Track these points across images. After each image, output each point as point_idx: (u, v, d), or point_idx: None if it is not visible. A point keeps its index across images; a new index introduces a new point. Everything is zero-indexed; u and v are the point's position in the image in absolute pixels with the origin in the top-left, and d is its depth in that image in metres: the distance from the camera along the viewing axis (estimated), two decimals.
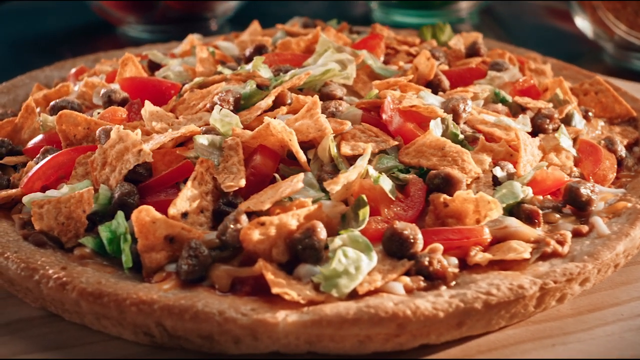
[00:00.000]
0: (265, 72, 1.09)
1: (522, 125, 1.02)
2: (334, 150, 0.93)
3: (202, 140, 0.93)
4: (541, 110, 1.07)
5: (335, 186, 0.86)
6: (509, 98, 1.09)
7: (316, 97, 0.97)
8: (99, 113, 1.04)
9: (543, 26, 1.85)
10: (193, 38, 1.27)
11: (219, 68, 1.13)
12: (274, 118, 0.97)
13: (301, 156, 0.92)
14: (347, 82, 1.10)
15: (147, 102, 1.01)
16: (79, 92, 1.12)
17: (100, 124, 1.00)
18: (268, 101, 1.01)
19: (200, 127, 0.98)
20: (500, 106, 1.07)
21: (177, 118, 1.02)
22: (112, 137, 0.93)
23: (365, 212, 0.86)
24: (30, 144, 1.03)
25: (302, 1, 1.98)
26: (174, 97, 1.08)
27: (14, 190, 0.94)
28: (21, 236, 0.88)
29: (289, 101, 1.04)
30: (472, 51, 1.23)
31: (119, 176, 0.91)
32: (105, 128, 0.96)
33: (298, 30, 1.29)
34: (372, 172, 0.90)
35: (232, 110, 1.00)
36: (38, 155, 0.98)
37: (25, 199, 0.91)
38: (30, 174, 0.95)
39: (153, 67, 1.23)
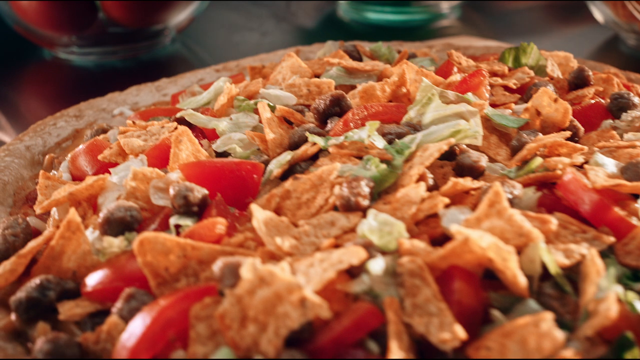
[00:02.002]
0: (379, 141, 0.82)
1: None
2: (554, 266, 0.69)
3: (376, 266, 0.66)
4: None
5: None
6: None
7: (497, 185, 0.72)
8: (181, 228, 0.74)
9: (533, 17, 1.65)
10: (230, 87, 0.96)
11: (309, 136, 0.84)
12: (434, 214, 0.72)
13: (521, 280, 0.67)
14: (474, 143, 0.84)
15: (255, 208, 0.72)
16: (127, 190, 0.79)
17: (202, 249, 0.70)
18: (419, 192, 0.74)
19: (336, 236, 0.71)
20: None
21: (297, 226, 0.73)
22: (246, 277, 0.63)
23: (635, 354, 0.63)
24: (91, 283, 0.71)
25: (256, 2, 1.67)
26: (266, 188, 0.80)
27: None
28: None
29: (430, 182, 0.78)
30: (580, 80, 1.01)
31: (277, 340, 0.62)
32: (229, 263, 0.66)
33: (356, 64, 1.01)
34: (622, 292, 0.66)
35: (367, 207, 0.73)
36: (120, 305, 0.68)
37: None
38: (127, 341, 0.64)
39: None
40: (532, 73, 1.01)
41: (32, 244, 0.75)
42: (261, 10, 1.58)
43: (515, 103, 0.96)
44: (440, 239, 0.73)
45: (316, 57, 1.12)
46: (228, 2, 1.45)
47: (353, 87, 0.99)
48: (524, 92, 0.98)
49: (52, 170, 0.93)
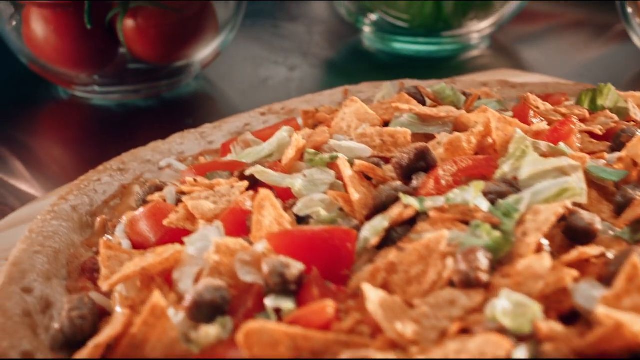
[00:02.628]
0: (482, 203, 0.74)
1: None
2: None
3: (519, 356, 0.59)
4: None
5: None
6: None
7: (635, 257, 0.65)
8: (281, 313, 0.65)
9: (566, 49, 1.59)
10: (298, 139, 0.88)
11: (402, 198, 0.76)
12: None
13: None
14: (579, 201, 0.77)
15: (368, 288, 0.64)
16: (211, 265, 0.71)
17: (315, 339, 0.61)
18: (545, 264, 0.67)
19: (459, 318, 0.63)
20: None
21: (411, 306, 0.65)
22: None
23: None
24: None
25: (278, 33, 1.58)
26: (362, 259, 0.72)
27: None
28: None
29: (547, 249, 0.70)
30: None
31: None
32: None
33: (429, 111, 0.93)
34: None
35: (487, 282, 0.66)
36: None
37: None
38: None
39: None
40: (615, 117, 0.95)
41: (109, 331, 0.67)
42: (284, 42, 1.50)
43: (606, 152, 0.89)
44: (568, 314, 0.66)
45: (375, 100, 1.04)
46: (249, 34, 1.36)
47: (428, 136, 0.91)
48: (610, 139, 0.91)
49: (106, 235, 0.84)
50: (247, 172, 0.83)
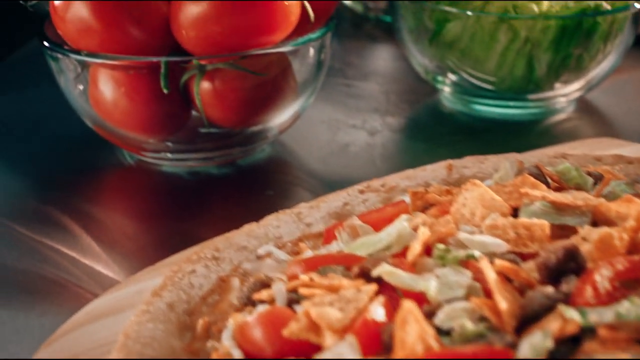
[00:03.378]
0: None
1: None
2: None
3: None
4: None
5: None
6: None
7: None
8: None
9: None
10: (425, 232, 0.78)
11: (563, 311, 0.66)
12: None
13: None
14: None
15: None
16: None
17: None
18: None
19: None
20: None
21: None
22: None
23: None
24: None
25: (353, 94, 1.49)
26: None
27: None
28: None
29: None
30: None
31: None
32: None
33: (565, 199, 0.83)
34: None
35: None
36: None
37: None
38: None
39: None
40: None
41: None
42: (359, 103, 1.41)
43: None
44: None
45: (492, 180, 0.94)
46: (322, 94, 1.27)
47: (564, 227, 0.81)
48: None
49: (210, 340, 0.74)
50: (374, 274, 0.73)
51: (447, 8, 1.29)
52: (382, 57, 1.80)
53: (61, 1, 1.10)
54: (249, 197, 1.16)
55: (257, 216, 0.94)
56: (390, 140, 1.32)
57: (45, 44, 1.16)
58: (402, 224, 0.81)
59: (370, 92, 1.52)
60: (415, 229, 0.82)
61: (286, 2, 1.07)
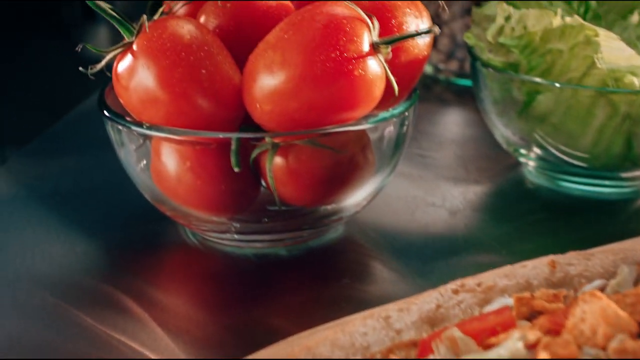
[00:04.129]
0: None
1: None
2: None
3: None
4: None
5: None
6: None
7: None
8: None
9: None
10: (544, 357, 0.67)
11: None
12: None
13: None
14: None
15: None
16: None
17: None
18: None
19: None
20: None
21: None
22: None
23: None
24: None
25: (428, 164, 1.39)
26: None
27: None
28: None
29: None
30: None
31: None
32: None
33: None
34: None
35: None
36: None
37: None
38: None
39: None
40: None
41: None
42: (437, 176, 1.31)
43: None
44: None
45: (609, 288, 0.83)
46: (399, 167, 1.17)
47: None
48: None
49: None
50: None
51: (541, 80, 1.18)
52: (455, 123, 1.70)
53: (124, 68, 1.01)
54: (322, 282, 1.06)
55: (331, 304, 0.91)
56: (473, 220, 1.21)
57: (106, 113, 1.08)
58: (515, 345, 0.70)
59: (447, 162, 1.42)
60: (528, 346, 0.71)
61: (370, 76, 0.98)
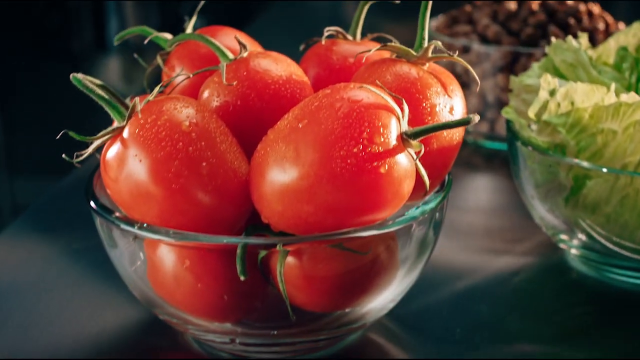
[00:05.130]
0: None
1: None
2: None
3: None
4: None
5: None
6: None
7: None
8: None
9: None
10: None
11: None
12: None
13: None
14: None
15: None
16: None
17: None
18: None
19: None
20: None
21: None
22: None
23: None
24: None
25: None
26: None
27: None
28: None
29: None
30: None
31: None
32: None
33: None
34: None
35: None
36: None
37: None
38: None
39: None
40: None
41: None
42: (459, 246, 1.16)
43: None
44: None
45: None
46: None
47: None
48: None
49: None
50: None
51: (592, 165, 1.03)
52: (484, 189, 1.55)
53: (114, 158, 0.87)
54: None
55: None
56: (509, 315, 1.06)
57: (93, 205, 0.94)
58: None
59: (475, 234, 1.27)
60: None
61: (398, 173, 0.83)
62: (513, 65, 1.57)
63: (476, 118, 0.86)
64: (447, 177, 0.99)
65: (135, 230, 0.89)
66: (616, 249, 1.10)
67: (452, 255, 1.21)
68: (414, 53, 0.95)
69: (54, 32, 3.78)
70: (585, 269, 1.20)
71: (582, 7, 1.63)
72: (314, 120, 0.84)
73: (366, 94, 0.84)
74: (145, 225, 0.88)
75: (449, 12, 1.78)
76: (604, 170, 1.03)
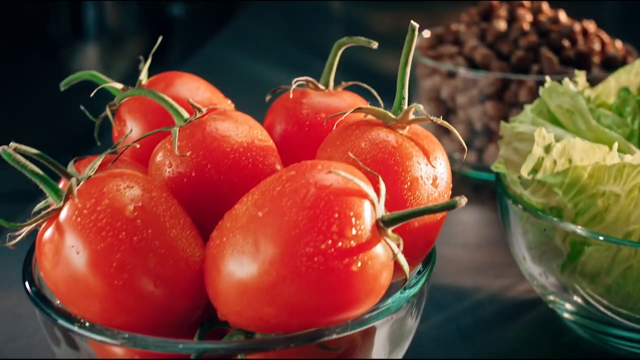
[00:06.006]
0: None
1: None
2: None
3: None
4: None
5: None
6: None
7: None
8: None
9: None
10: None
11: None
12: None
13: None
14: None
15: None
16: None
17: None
18: None
19: None
20: None
21: None
22: None
23: None
24: None
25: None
26: None
27: None
28: None
29: None
30: None
31: None
32: None
33: None
34: None
35: None
36: None
37: None
38: None
39: None
40: None
41: None
42: (445, 282, 1.06)
43: None
44: None
45: None
46: None
47: None
48: None
49: None
50: None
51: (591, 234, 0.92)
52: (471, 223, 1.44)
53: (49, 245, 0.76)
54: None
55: None
56: None
57: (28, 289, 0.83)
58: None
59: (460, 272, 1.17)
60: None
61: (373, 269, 0.72)
62: (503, 92, 1.46)
63: (463, 201, 0.75)
64: (431, 251, 0.88)
65: (77, 329, 0.77)
66: (617, 317, 1.00)
67: (437, 295, 1.11)
68: (393, 116, 0.84)
69: (30, 20, 3.64)
70: (580, 331, 1.09)
71: (576, 26, 1.51)
72: (275, 209, 0.72)
73: (335, 177, 0.73)
74: (87, 324, 0.77)
75: (434, 28, 1.66)
76: (601, 238, 0.92)
